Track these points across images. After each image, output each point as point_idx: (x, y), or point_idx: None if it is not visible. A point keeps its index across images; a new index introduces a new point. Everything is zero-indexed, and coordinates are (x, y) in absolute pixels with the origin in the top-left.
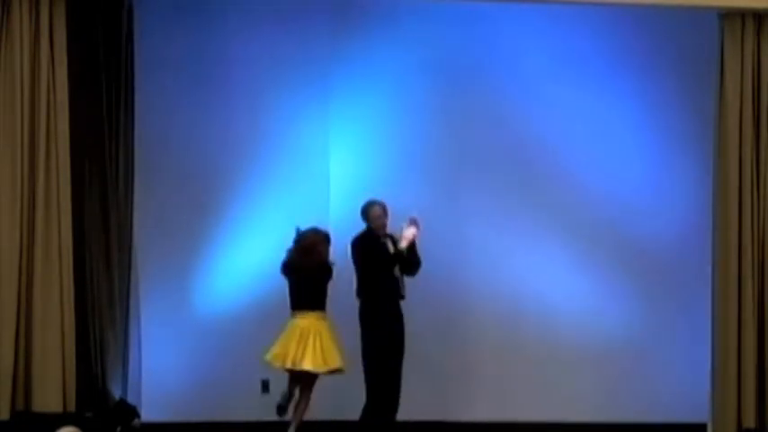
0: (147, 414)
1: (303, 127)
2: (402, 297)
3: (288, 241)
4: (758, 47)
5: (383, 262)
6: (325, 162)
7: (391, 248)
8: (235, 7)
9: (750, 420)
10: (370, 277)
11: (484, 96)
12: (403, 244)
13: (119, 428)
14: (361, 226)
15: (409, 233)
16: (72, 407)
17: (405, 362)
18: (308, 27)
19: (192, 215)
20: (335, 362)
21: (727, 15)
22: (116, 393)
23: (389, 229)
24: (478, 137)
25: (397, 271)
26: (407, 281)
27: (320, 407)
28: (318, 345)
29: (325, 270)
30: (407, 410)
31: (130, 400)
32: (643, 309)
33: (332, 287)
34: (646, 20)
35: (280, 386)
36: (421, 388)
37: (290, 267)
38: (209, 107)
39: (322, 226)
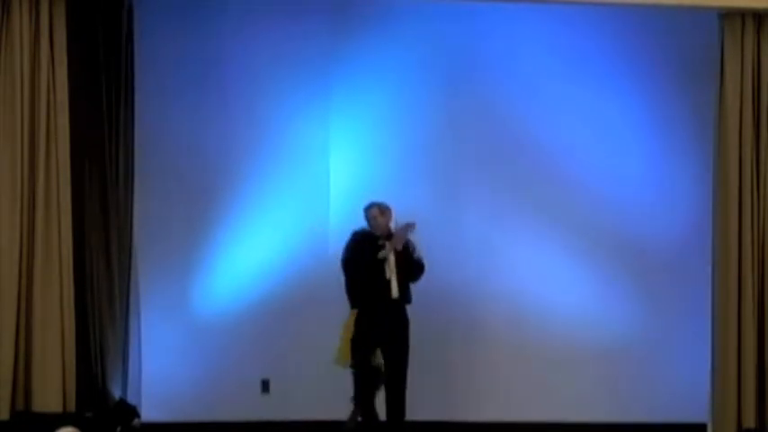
0: (147, 414)
1: (303, 126)
2: (405, 301)
3: (287, 240)
4: (758, 47)
5: (365, 264)
6: (325, 161)
7: (386, 251)
8: (234, 7)
9: (750, 420)
10: (359, 279)
11: (484, 95)
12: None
13: (119, 428)
14: (361, 224)
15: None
16: (72, 407)
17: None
18: (308, 26)
19: (192, 215)
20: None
21: (727, 15)
22: (116, 393)
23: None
24: (479, 136)
25: (388, 273)
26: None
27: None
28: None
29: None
30: (410, 410)
31: (130, 400)
32: (643, 309)
33: (326, 288)
34: (646, 19)
35: (280, 386)
36: (423, 388)
37: None
38: (209, 106)
39: (322, 225)
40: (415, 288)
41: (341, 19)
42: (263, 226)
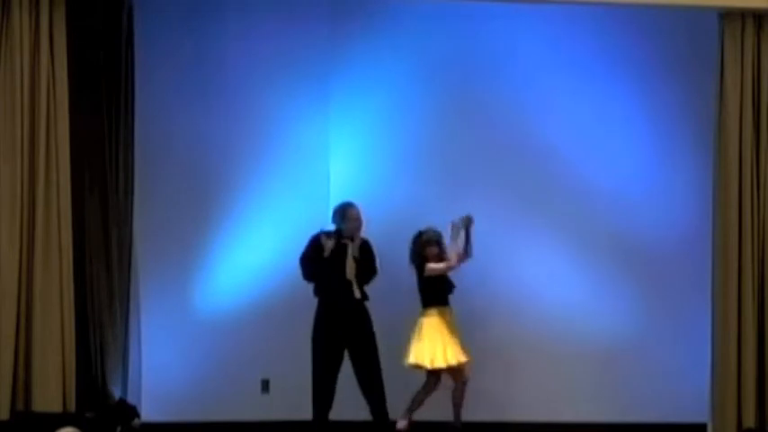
0: (147, 414)
1: (303, 127)
2: (364, 298)
3: (287, 241)
4: (758, 47)
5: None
6: (325, 162)
7: (352, 252)
8: (235, 9)
9: (750, 420)
10: (319, 278)
11: (483, 97)
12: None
13: (119, 428)
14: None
15: None
16: (72, 407)
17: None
18: (308, 28)
19: (192, 215)
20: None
21: (727, 15)
22: (116, 393)
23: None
24: (478, 137)
25: (349, 274)
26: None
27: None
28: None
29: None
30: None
31: (130, 400)
32: (643, 309)
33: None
34: (645, 19)
35: (280, 386)
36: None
37: None
38: (209, 108)
39: (322, 226)
40: (416, 288)
41: (341, 21)
42: (264, 226)
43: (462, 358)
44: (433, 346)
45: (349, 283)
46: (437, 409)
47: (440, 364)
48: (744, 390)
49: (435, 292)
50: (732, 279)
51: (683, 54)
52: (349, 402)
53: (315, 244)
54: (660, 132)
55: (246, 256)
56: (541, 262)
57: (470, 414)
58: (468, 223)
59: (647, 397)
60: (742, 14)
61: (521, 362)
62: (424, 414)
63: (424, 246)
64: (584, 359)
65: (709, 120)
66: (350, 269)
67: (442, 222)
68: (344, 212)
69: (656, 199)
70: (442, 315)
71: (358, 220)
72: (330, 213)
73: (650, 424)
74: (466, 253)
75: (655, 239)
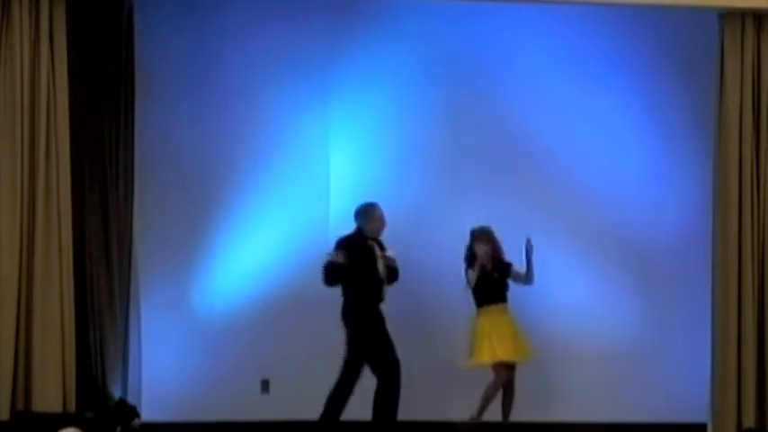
0: (147, 414)
1: (303, 126)
2: (381, 300)
3: (287, 241)
4: (758, 47)
5: (368, 264)
6: (325, 161)
7: (378, 253)
8: (235, 7)
9: (750, 420)
10: (353, 278)
11: (484, 95)
12: None
13: (119, 428)
14: None
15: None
16: (72, 407)
17: (407, 362)
18: (308, 26)
19: (192, 215)
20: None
21: (727, 15)
22: (116, 393)
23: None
24: (479, 136)
25: (382, 273)
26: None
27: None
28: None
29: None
30: (410, 410)
31: (130, 400)
32: (643, 309)
33: (326, 288)
34: (646, 20)
35: (280, 386)
36: (423, 388)
37: None
38: (209, 106)
39: (322, 225)
40: (417, 288)
41: (341, 19)
42: (264, 226)
43: (503, 357)
44: (480, 343)
45: (381, 283)
46: (434, 408)
47: (481, 359)
48: (744, 390)
49: (483, 293)
50: (732, 279)
51: (684, 54)
52: (349, 402)
53: (352, 244)
54: (664, 133)
55: (247, 256)
56: (543, 263)
57: (471, 414)
58: (528, 248)
59: (647, 397)
60: (742, 14)
61: (522, 363)
62: (425, 414)
63: (473, 244)
64: (584, 359)
65: (710, 119)
66: (381, 269)
67: (443, 222)
68: (368, 213)
69: (656, 199)
70: (489, 314)
71: (381, 221)
72: (330, 213)
73: (650, 424)
74: (527, 277)
75: (655, 239)
